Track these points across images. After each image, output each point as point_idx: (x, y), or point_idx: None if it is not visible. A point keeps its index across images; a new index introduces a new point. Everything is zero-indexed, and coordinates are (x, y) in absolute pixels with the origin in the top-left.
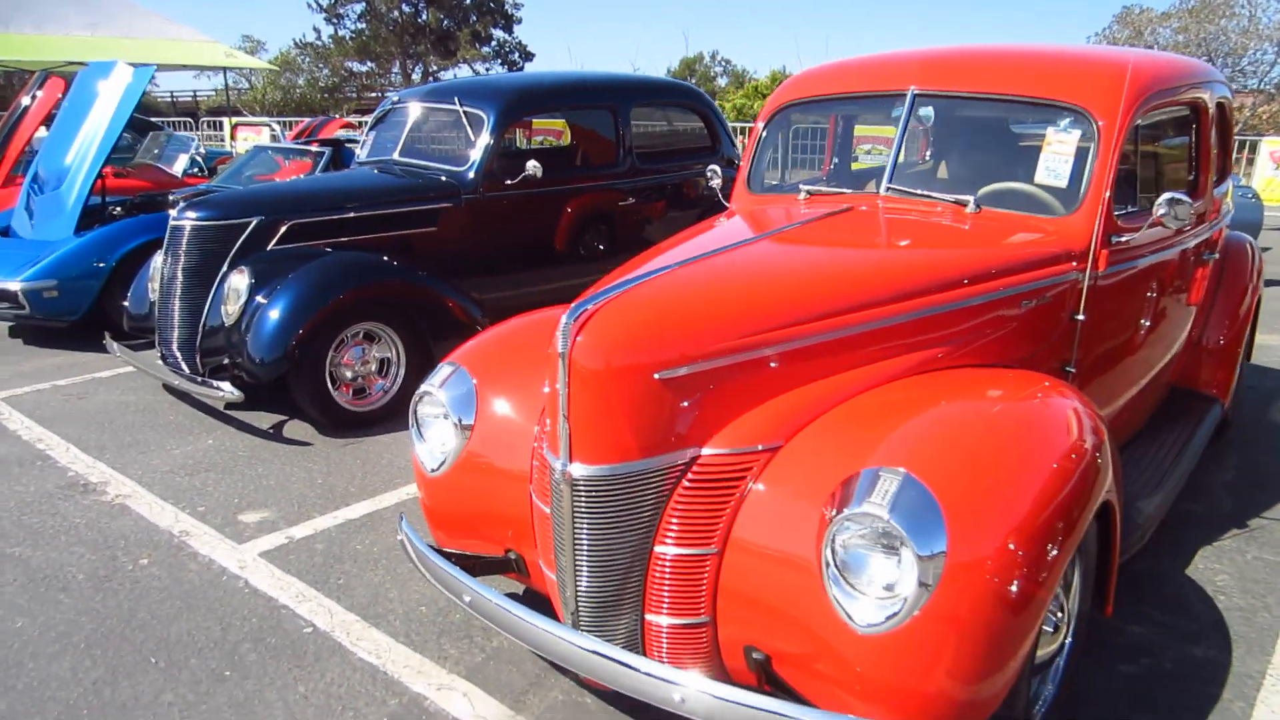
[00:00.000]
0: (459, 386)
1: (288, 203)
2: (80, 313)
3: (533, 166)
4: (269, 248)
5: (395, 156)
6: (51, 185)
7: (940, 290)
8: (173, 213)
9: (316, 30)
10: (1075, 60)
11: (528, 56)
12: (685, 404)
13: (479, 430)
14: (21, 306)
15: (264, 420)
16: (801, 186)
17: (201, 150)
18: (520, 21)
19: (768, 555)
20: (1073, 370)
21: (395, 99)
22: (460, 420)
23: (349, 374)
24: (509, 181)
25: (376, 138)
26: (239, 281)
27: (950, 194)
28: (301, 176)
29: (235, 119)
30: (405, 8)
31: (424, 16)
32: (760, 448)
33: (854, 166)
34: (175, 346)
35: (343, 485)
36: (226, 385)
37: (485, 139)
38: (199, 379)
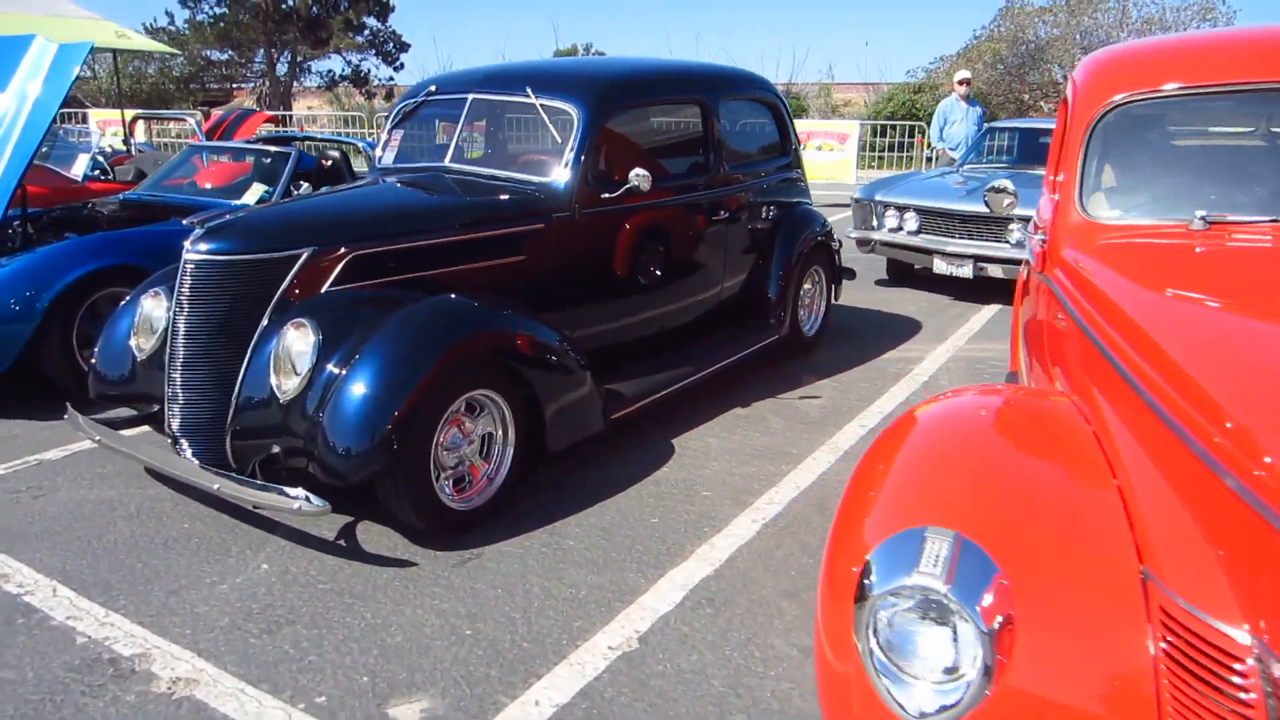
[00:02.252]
0: (975, 577)
1: (348, 227)
2: (3, 365)
3: (639, 176)
4: (324, 289)
5: (447, 163)
6: None
7: None
8: (188, 244)
9: (169, 14)
10: None
11: (402, 47)
12: None
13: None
14: None
15: (322, 524)
16: (1197, 214)
17: (107, 148)
18: (394, 9)
19: None
20: None
21: (432, 88)
22: (986, 635)
23: (451, 460)
24: (606, 195)
25: (406, 138)
26: (299, 341)
27: None
28: (336, 191)
29: (134, 111)
30: None
31: (291, 2)
32: None
33: None
34: (190, 428)
35: (508, 639)
36: (301, 493)
37: (575, 142)
38: (255, 482)
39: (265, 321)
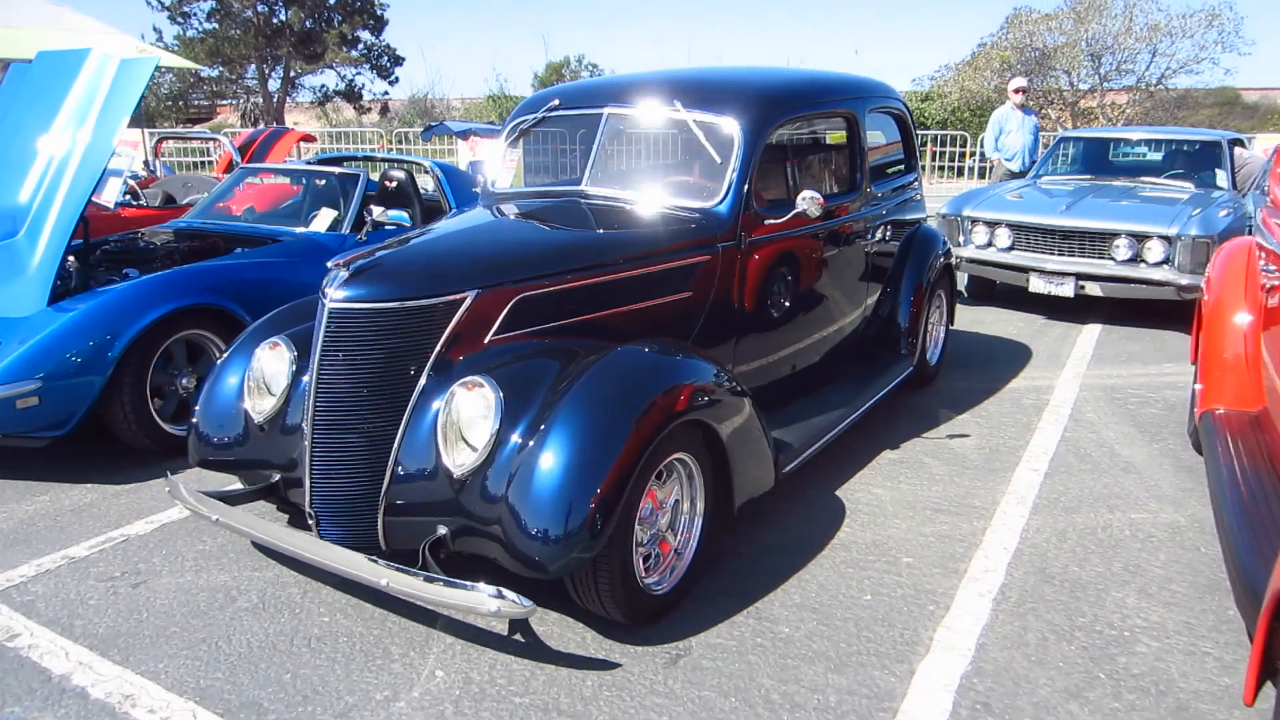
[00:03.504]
0: None
1: (512, 265)
2: (70, 425)
3: (808, 200)
4: (487, 338)
5: (584, 187)
6: None
7: None
8: (330, 289)
9: (158, 30)
10: None
11: (397, 61)
12: None
13: None
14: None
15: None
16: None
17: (141, 173)
18: (388, 23)
19: None
20: None
21: (555, 102)
22: None
23: (644, 537)
24: (772, 221)
25: (528, 157)
26: (474, 404)
27: None
28: (463, 221)
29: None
30: (261, 7)
31: (283, 15)
32: None
33: None
34: (331, 504)
35: None
36: (496, 590)
37: (737, 161)
38: (436, 577)
39: (424, 381)
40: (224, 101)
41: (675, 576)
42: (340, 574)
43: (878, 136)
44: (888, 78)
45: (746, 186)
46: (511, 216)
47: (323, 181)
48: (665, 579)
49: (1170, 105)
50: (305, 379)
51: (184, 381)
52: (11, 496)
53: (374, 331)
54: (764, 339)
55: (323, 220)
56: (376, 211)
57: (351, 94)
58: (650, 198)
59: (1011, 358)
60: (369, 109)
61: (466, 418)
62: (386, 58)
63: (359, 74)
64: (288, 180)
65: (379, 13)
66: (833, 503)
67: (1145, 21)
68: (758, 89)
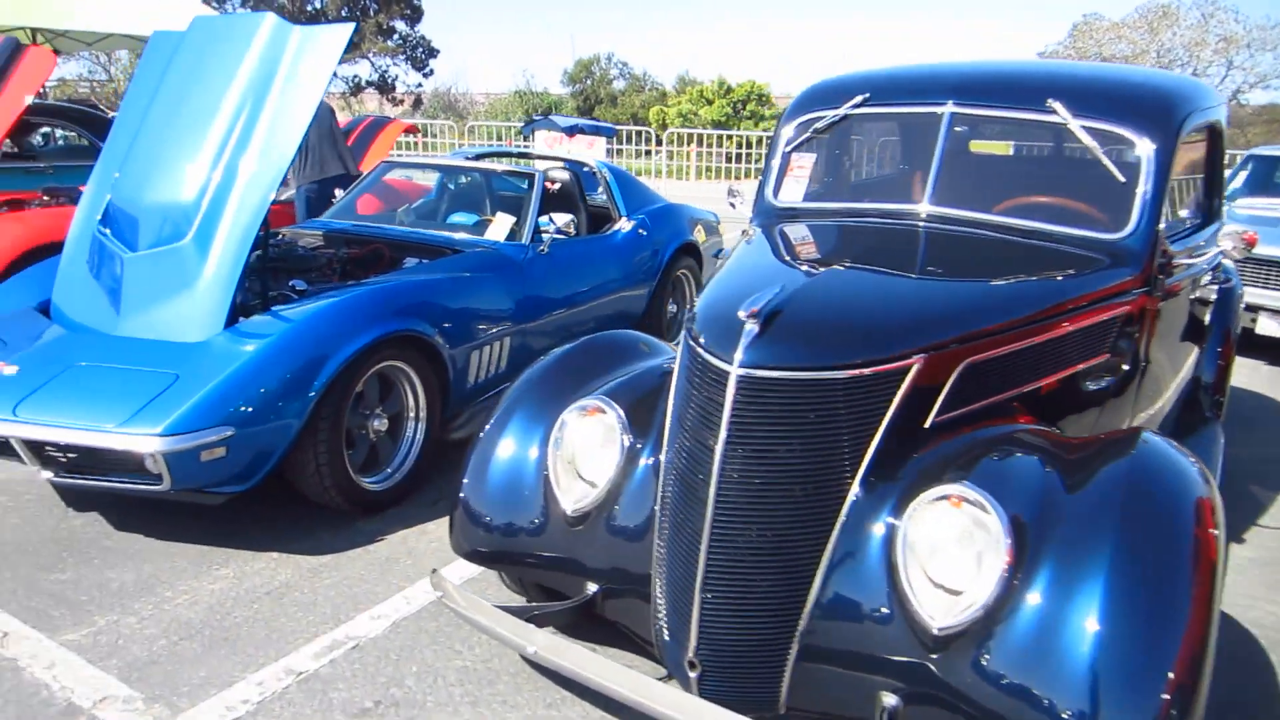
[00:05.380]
0: None
1: (958, 319)
2: (257, 477)
3: (1233, 236)
4: (930, 420)
5: (926, 207)
6: (156, 227)
7: None
8: (738, 352)
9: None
10: None
11: (432, 53)
12: None
13: None
14: (153, 478)
15: None
16: None
17: None
18: (423, 14)
19: None
20: None
21: (864, 96)
22: None
23: None
24: (1182, 260)
25: (827, 164)
26: (962, 530)
27: None
28: (798, 250)
29: None
30: None
31: (319, 3)
32: None
33: None
34: (727, 650)
35: None
36: None
37: (1149, 183)
38: None
39: (859, 490)
40: None
41: None
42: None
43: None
44: None
45: (1156, 215)
46: (867, 247)
47: (471, 179)
48: None
49: (1243, 123)
50: (644, 461)
51: (376, 424)
52: (186, 567)
53: (796, 410)
54: (1140, 403)
55: (500, 228)
56: (560, 220)
57: (385, 85)
58: (1025, 224)
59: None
60: (401, 101)
61: (951, 551)
62: (421, 49)
63: (395, 64)
64: (455, 178)
65: (416, 3)
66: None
67: (1220, 33)
68: (1164, 94)
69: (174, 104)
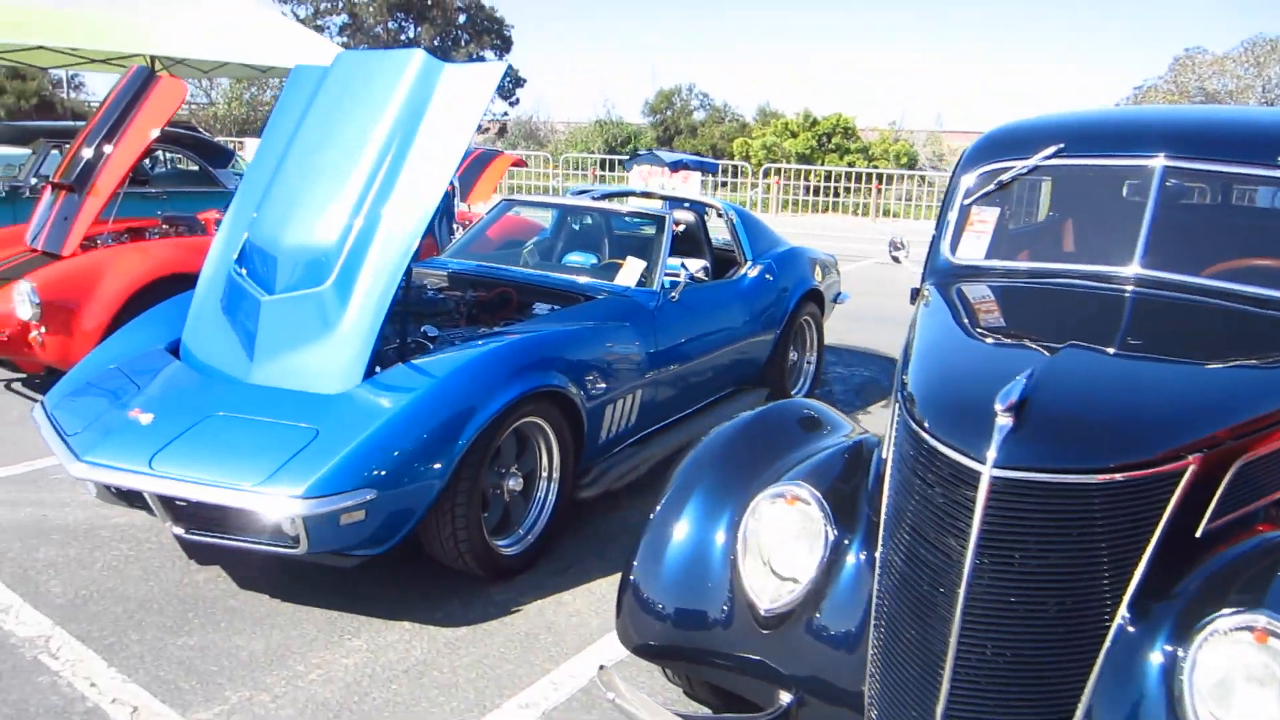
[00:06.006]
0: None
1: (1232, 410)
2: (393, 541)
3: None
4: (1201, 529)
5: (1138, 270)
6: (294, 269)
7: None
8: (992, 455)
9: None
10: None
11: (519, 82)
12: None
13: None
14: (289, 540)
15: None
16: None
17: None
18: (513, 45)
19: None
20: None
21: (1059, 146)
22: None
23: None
24: None
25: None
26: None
27: None
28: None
29: None
30: (391, 24)
31: (413, 32)
32: None
33: None
34: None
35: None
36: None
37: None
38: None
39: (1127, 613)
40: None
41: None
42: None
43: None
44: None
45: None
46: (1085, 318)
47: (592, 219)
48: None
49: None
50: (852, 559)
51: (511, 484)
52: (316, 636)
53: (1058, 517)
54: None
55: (630, 272)
56: (692, 265)
57: None
58: (1250, 290)
59: None
60: (487, 129)
61: (1252, 692)
62: (509, 78)
63: None
64: (553, 215)
65: (505, 33)
66: None
67: None
68: None
69: (316, 141)
